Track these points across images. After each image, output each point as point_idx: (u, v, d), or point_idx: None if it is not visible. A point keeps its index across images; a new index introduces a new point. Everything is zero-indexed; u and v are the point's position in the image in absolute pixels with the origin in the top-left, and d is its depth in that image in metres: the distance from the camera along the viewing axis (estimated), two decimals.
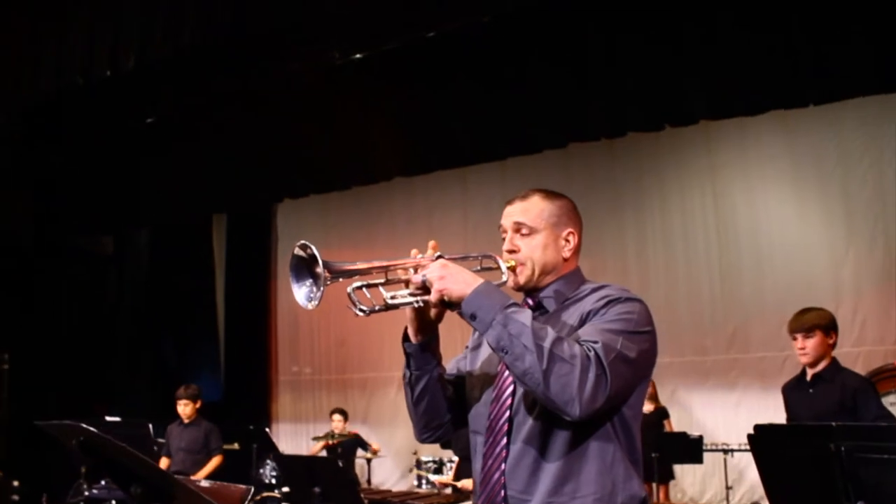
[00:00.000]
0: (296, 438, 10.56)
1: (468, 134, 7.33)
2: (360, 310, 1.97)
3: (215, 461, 6.84)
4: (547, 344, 1.84)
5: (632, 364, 1.95)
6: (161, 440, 7.00)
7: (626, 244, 8.88)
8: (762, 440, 2.64)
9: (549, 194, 2.23)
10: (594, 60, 6.53)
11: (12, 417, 8.14)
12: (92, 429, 2.09)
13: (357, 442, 8.30)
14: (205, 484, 3.44)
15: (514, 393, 2.06)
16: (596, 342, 1.90)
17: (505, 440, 2.03)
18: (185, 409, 6.93)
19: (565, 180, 8.77)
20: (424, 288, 1.98)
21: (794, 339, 3.91)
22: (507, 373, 2.05)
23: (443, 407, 2.21)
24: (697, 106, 6.31)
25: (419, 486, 7.10)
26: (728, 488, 7.27)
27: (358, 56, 7.08)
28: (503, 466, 2.02)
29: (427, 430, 2.25)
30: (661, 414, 7.64)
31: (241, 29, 5.81)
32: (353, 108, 7.78)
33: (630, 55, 6.32)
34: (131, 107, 7.91)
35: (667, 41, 6.18)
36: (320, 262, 1.89)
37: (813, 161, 7.93)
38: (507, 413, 2.05)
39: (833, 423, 2.41)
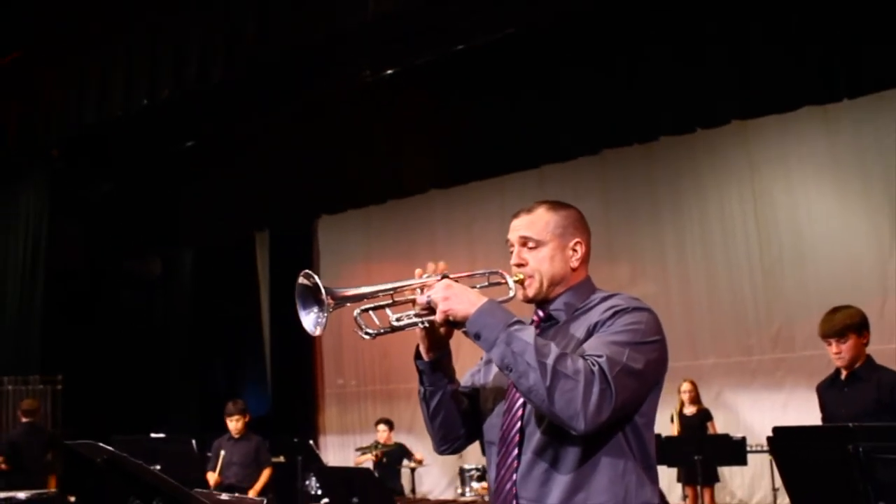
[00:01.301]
0: (343, 450, 10.66)
1: (502, 143, 7.37)
2: (367, 333, 2.02)
3: (267, 473, 6.96)
4: (550, 361, 1.87)
5: (638, 375, 1.96)
6: (208, 454, 7.14)
7: (665, 247, 8.82)
8: (781, 442, 2.63)
9: (555, 205, 2.26)
10: (623, 66, 6.56)
11: (67, 436, 8.39)
12: (111, 448, 2.19)
13: (402, 452, 8.38)
14: (224, 497, 3.57)
15: (524, 404, 2.09)
16: (600, 356, 1.92)
17: (516, 451, 2.07)
18: (236, 424, 7.01)
19: (602, 186, 8.78)
20: (430, 308, 2.02)
21: (829, 343, 3.85)
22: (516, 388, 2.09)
23: (458, 421, 2.25)
24: (728, 106, 6.28)
25: (462, 494, 7.16)
26: (775, 489, 7.16)
27: (389, 72, 7.20)
28: (515, 476, 2.06)
29: (444, 442, 2.31)
30: (705, 416, 7.58)
31: (271, 54, 5.94)
32: (387, 123, 7.90)
33: (658, 59, 6.34)
34: (172, 132, 8.14)
35: (694, 43, 6.18)
36: (323, 289, 1.95)
37: (854, 154, 7.79)
38: (519, 424, 2.08)
39: (850, 424, 2.39)
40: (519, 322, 1.98)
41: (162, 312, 10.64)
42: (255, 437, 7.09)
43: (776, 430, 2.63)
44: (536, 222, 2.22)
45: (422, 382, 2.24)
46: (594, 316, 2.10)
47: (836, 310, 3.89)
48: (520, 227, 2.24)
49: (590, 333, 2.06)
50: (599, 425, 1.88)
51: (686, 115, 6.42)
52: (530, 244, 2.20)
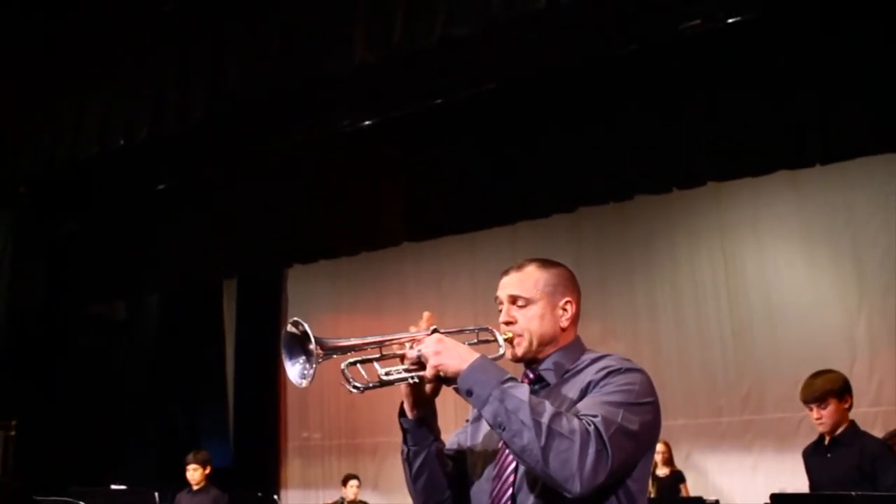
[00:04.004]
0: None
1: (477, 199, 7.36)
2: (354, 387, 1.95)
3: None
4: (545, 419, 1.81)
5: (634, 437, 1.91)
6: None
7: (636, 307, 8.81)
8: None
9: (545, 263, 2.21)
10: (601, 124, 6.61)
11: (18, 486, 8.07)
12: None
13: None
14: None
15: (516, 469, 2.01)
16: (595, 416, 1.86)
17: None
18: (193, 474, 6.84)
19: (575, 244, 8.78)
20: (420, 363, 1.96)
21: (809, 409, 3.82)
22: (508, 449, 2.01)
23: (442, 483, 2.16)
24: (704, 168, 6.34)
25: None
26: None
27: (367, 123, 7.19)
28: None
29: None
30: (677, 478, 7.49)
31: (252, 98, 5.91)
32: (362, 174, 7.87)
33: (636, 118, 6.40)
34: (143, 174, 8.02)
35: (672, 104, 6.26)
36: (313, 339, 1.87)
37: (823, 220, 7.89)
38: (510, 490, 2.00)
39: (853, 493, 2.34)
40: (512, 379, 1.92)
41: (124, 359, 10.37)
42: (213, 490, 6.88)
43: (774, 497, 2.57)
44: (526, 280, 2.17)
45: (405, 441, 2.15)
46: (586, 376, 2.04)
47: (816, 374, 3.87)
48: (509, 284, 2.18)
49: (583, 394, 2.01)
50: (595, 488, 1.81)
51: (663, 174, 6.47)
52: (520, 302, 2.15)
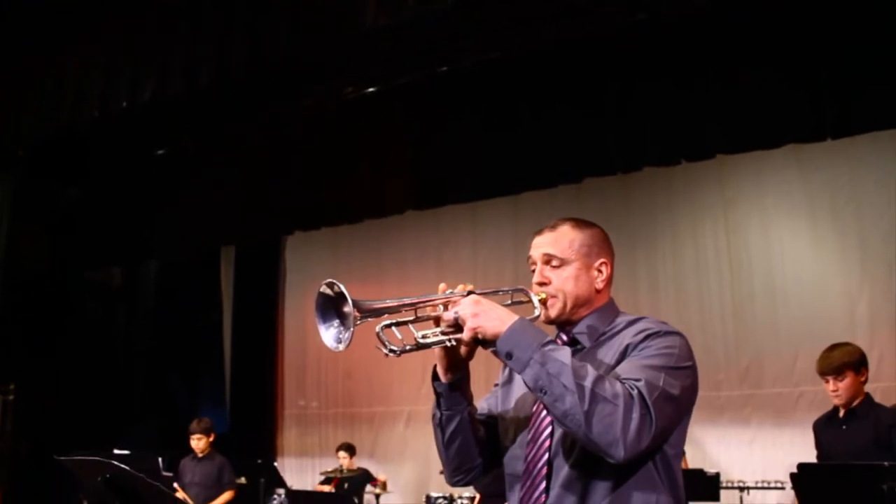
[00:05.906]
0: (301, 473, 10.39)
1: (481, 168, 7.28)
2: (391, 350, 1.87)
3: (227, 495, 6.81)
4: (588, 383, 1.76)
5: (675, 401, 1.88)
6: (166, 474, 6.88)
7: (637, 280, 8.76)
8: (807, 480, 2.54)
9: (580, 223, 2.18)
10: (610, 94, 6.53)
11: (17, 449, 8.05)
12: (123, 466, 2.02)
13: (366, 477, 8.19)
14: None
15: (552, 434, 1.97)
16: (638, 380, 1.83)
17: (544, 484, 1.94)
18: (198, 443, 6.89)
19: (577, 216, 8.72)
20: (457, 325, 1.90)
21: (826, 380, 3.81)
22: (543, 413, 1.97)
23: (475, 448, 2.12)
24: (714, 140, 6.26)
25: None
26: None
27: (371, 90, 7.10)
28: None
29: (458, 472, 2.16)
30: None
31: (257, 63, 5.81)
32: (365, 142, 7.78)
33: (646, 89, 6.32)
34: (147, 139, 7.91)
35: (683, 75, 6.18)
36: (349, 300, 1.80)
37: (828, 195, 7.85)
38: (546, 456, 1.96)
39: (886, 463, 2.32)
40: (552, 342, 1.87)
41: (123, 324, 10.31)
42: (218, 457, 6.93)
43: (801, 466, 2.56)
44: (561, 240, 2.13)
45: (438, 406, 2.09)
46: (624, 339, 2.01)
47: (834, 347, 3.86)
48: (543, 244, 2.13)
49: (621, 357, 1.96)
50: (638, 453, 1.78)
51: (671, 145, 6.41)
52: (554, 262, 2.10)
